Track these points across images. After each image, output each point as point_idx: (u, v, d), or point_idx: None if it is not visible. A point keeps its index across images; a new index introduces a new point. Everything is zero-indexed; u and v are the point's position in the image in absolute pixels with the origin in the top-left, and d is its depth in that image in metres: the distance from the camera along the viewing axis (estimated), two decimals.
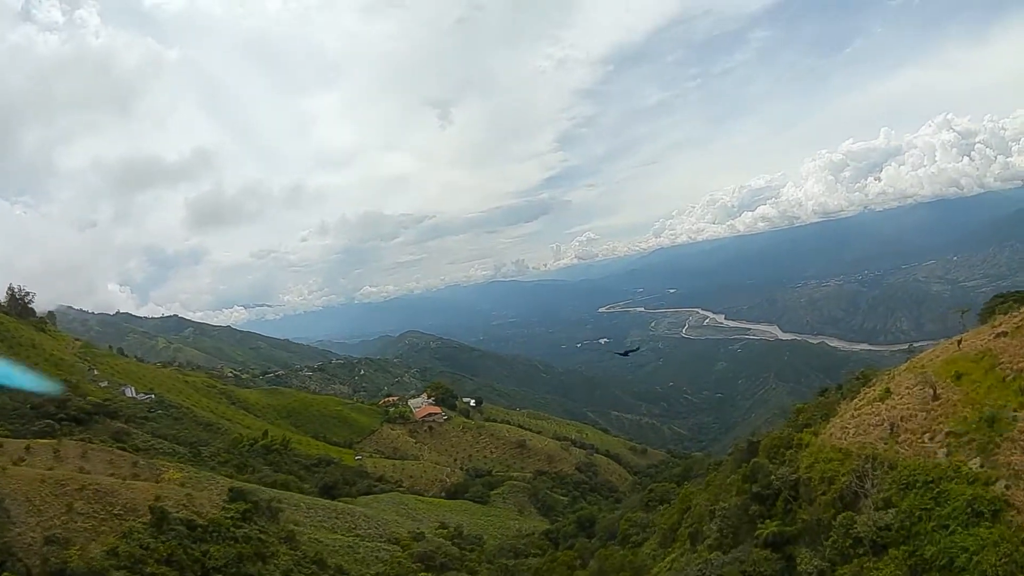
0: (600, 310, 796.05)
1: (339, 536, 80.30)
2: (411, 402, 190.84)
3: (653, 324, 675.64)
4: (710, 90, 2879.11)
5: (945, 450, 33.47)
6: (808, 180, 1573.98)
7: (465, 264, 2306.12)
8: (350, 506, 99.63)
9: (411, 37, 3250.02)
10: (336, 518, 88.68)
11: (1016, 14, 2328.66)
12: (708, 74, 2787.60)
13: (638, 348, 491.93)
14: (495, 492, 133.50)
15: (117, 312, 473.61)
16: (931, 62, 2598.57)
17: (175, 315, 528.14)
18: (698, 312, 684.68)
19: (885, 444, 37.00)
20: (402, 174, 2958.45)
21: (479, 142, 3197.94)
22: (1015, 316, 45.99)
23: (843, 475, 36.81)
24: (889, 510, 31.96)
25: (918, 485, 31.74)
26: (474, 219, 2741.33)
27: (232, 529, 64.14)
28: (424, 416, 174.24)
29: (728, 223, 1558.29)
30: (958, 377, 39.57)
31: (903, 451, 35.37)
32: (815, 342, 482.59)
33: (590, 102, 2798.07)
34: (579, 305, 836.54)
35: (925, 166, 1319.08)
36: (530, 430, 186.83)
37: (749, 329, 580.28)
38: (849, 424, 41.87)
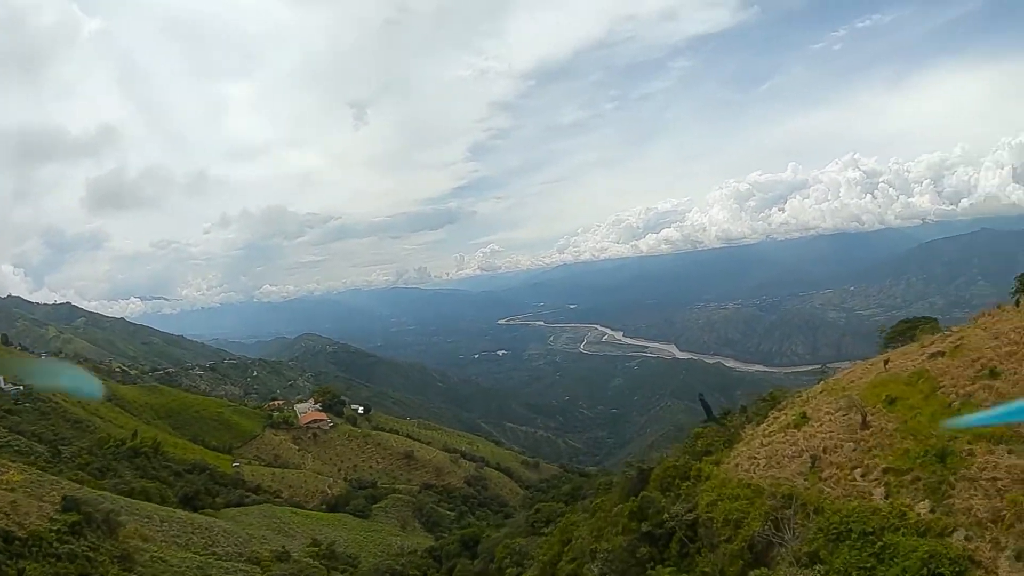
0: (500, 322, 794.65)
1: (191, 555, 70.18)
2: (297, 407, 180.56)
3: (552, 338, 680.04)
4: (627, 113, 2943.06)
5: (883, 490, 28.36)
6: (714, 207, 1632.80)
7: (367, 268, 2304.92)
8: (213, 519, 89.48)
9: (337, 33, 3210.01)
10: (193, 533, 78.51)
11: (931, 70, 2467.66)
12: (627, 97, 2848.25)
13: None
14: (378, 506, 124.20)
15: (8, 296, 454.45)
16: (845, 105, 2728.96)
17: (68, 303, 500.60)
18: (597, 328, 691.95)
19: (805, 481, 31.56)
20: (311, 172, 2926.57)
21: (392, 146, 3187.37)
22: (951, 335, 41.51)
23: (753, 518, 31.13)
24: (816, 567, 26.12)
25: (853, 536, 26.03)
26: (380, 223, 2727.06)
27: (56, 544, 54.97)
28: (309, 422, 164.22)
29: (632, 243, 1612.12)
30: (891, 402, 34.39)
31: (829, 490, 29.93)
32: (711, 362, 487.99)
33: (507, 115, 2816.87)
34: (479, 316, 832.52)
35: (829, 200, 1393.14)
36: (420, 441, 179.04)
37: (647, 347, 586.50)
38: (758, 454, 36.32)
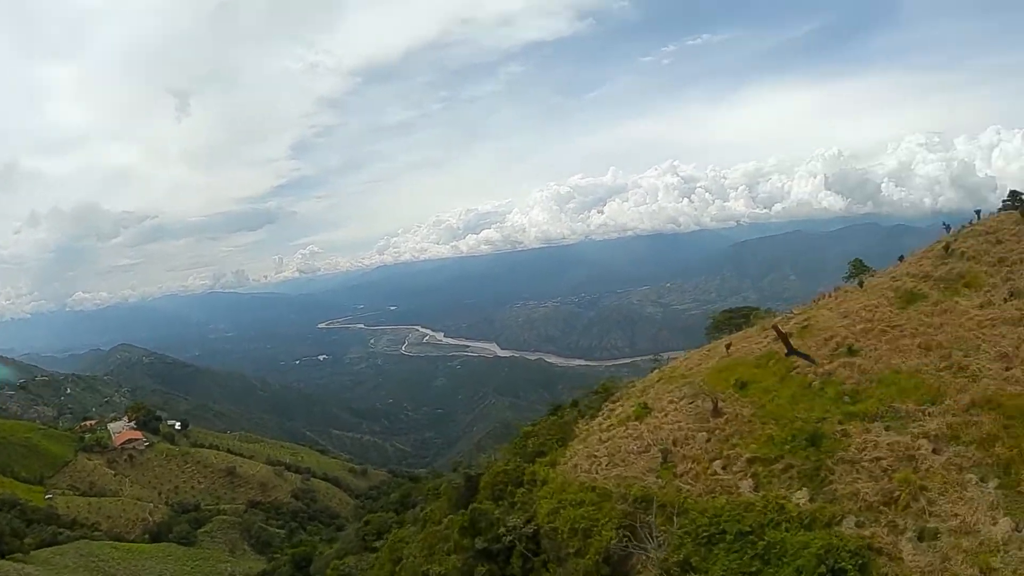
0: (320, 326, 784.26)
1: None
2: (111, 426, 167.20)
3: (373, 341, 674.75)
4: (454, 115, 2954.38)
5: (751, 482, 26.59)
6: (535, 208, 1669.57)
7: (184, 272, 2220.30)
8: (22, 565, 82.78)
9: (167, 15, 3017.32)
10: None
11: (753, 87, 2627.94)
12: (455, 99, 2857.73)
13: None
14: (203, 530, 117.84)
15: None
16: (669, 116, 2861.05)
17: None
18: (418, 330, 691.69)
19: (658, 479, 29.13)
20: (128, 166, 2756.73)
21: (214, 140, 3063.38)
22: (795, 316, 42.85)
23: (605, 526, 27.39)
24: None
25: (728, 537, 23.50)
26: (197, 223, 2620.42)
27: None
28: (123, 443, 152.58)
29: (452, 244, 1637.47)
30: (742, 386, 33.67)
31: (689, 488, 27.61)
32: (533, 358, 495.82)
33: (333, 112, 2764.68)
34: (299, 320, 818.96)
35: (647, 204, 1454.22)
36: (242, 455, 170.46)
37: (468, 346, 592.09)
38: (598, 452, 33.36)
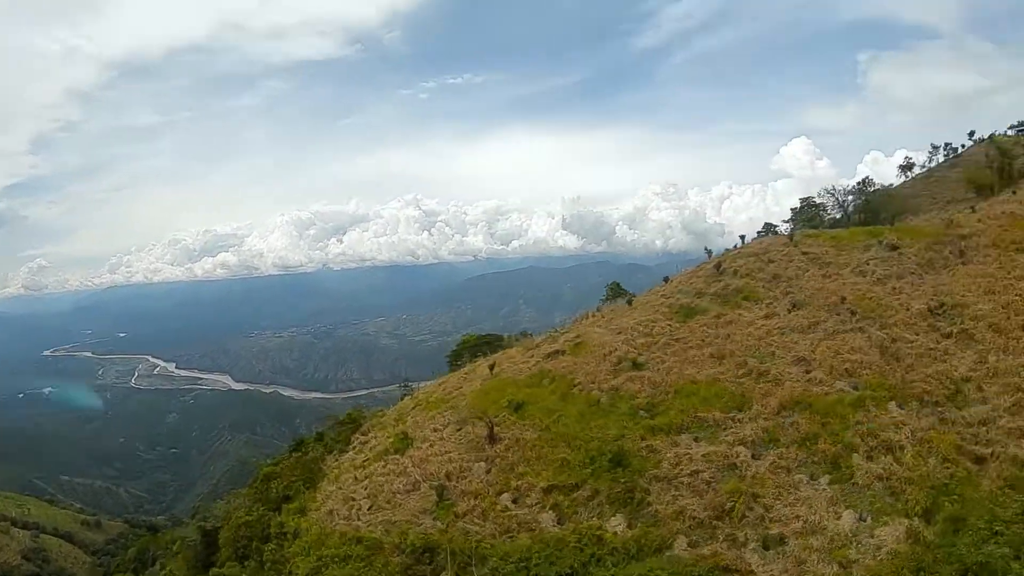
0: (46, 353, 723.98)
1: None
2: None
3: (101, 372, 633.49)
4: (205, 126, 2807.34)
5: (554, 515, 25.28)
6: (274, 233, 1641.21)
7: None
8: None
9: None
10: None
11: (502, 130, 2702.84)
12: (208, 109, 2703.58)
13: None
14: None
15: None
16: (418, 149, 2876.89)
17: None
18: (148, 360, 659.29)
19: (436, 521, 26.67)
20: None
21: None
22: (563, 334, 44.19)
23: None
24: None
25: None
26: None
27: None
28: None
29: (187, 266, 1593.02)
30: (518, 408, 32.22)
31: (478, 528, 25.50)
32: (268, 391, 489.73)
33: (81, 105, 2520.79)
34: (24, 346, 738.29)
35: (387, 235, 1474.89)
36: None
37: (201, 379, 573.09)
38: (357, 493, 30.43)
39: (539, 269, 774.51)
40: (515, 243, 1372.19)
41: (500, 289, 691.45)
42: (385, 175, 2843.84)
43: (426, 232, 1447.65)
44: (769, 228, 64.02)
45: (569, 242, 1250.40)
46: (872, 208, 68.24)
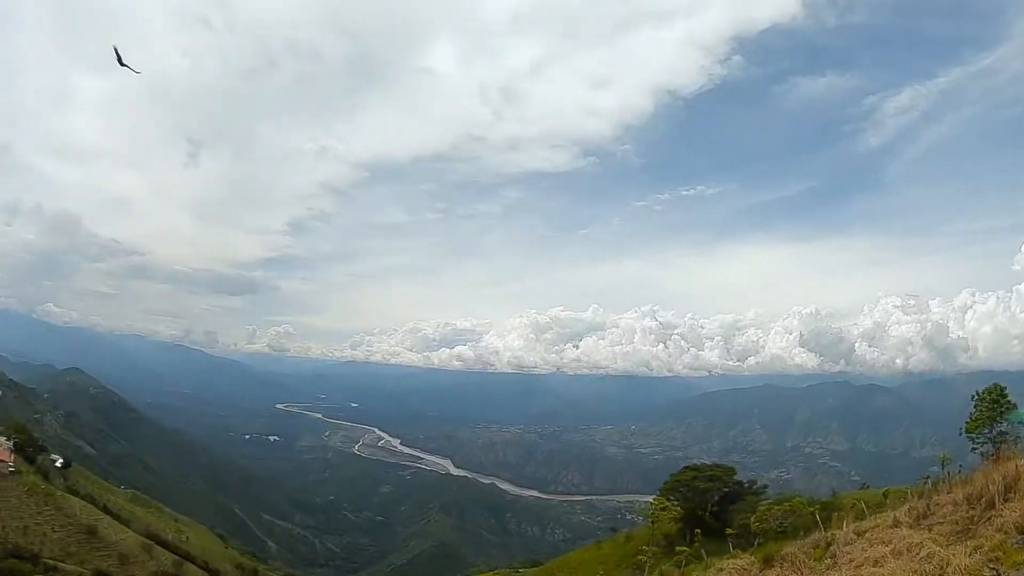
0: (278, 406, 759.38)
1: None
2: None
3: (328, 433, 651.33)
4: (448, 227, 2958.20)
5: None
6: (511, 334, 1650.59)
7: (157, 317, 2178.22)
8: None
9: (198, 62, 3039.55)
10: None
11: (737, 241, 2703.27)
12: (451, 212, 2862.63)
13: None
14: None
15: None
16: (654, 260, 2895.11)
17: None
18: (375, 432, 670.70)
19: None
20: (128, 197, 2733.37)
21: (216, 197, 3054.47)
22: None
23: None
24: None
25: None
26: (182, 274, 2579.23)
27: None
28: None
29: (425, 354, 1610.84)
30: None
31: None
32: (486, 482, 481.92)
33: (334, 199, 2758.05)
34: (258, 395, 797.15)
35: (623, 344, 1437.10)
36: (117, 516, 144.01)
37: (422, 458, 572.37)
38: None
39: (774, 387, 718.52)
40: (751, 359, 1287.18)
41: (733, 407, 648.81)
42: (622, 284, 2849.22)
43: (661, 344, 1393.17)
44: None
45: (807, 360, 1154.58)
46: None
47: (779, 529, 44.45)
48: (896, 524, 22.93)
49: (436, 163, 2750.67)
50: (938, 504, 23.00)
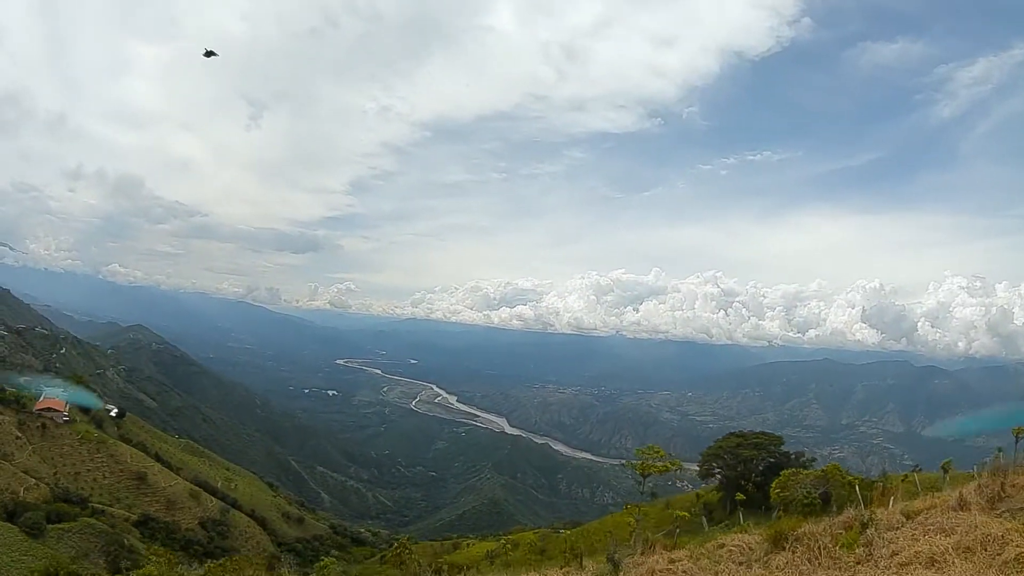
0: (338, 362, 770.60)
1: None
2: (48, 389, 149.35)
3: (386, 389, 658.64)
4: (510, 187, 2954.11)
5: None
6: (572, 295, 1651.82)
7: (220, 275, 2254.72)
8: None
9: (258, 25, 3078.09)
10: None
11: (803, 210, 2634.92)
12: (514, 172, 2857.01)
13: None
14: (58, 526, 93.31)
15: None
16: (717, 226, 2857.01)
17: None
18: (432, 388, 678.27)
19: None
20: (190, 159, 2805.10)
21: (276, 157, 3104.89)
22: None
23: None
24: None
25: None
26: (244, 232, 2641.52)
27: None
28: (42, 408, 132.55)
29: (485, 312, 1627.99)
30: None
31: None
32: (539, 442, 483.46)
33: (395, 158, 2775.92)
34: (319, 351, 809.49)
35: (683, 310, 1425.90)
36: (168, 463, 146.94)
37: (478, 416, 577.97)
38: None
39: (833, 362, 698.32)
40: (812, 332, 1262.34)
41: (791, 379, 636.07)
42: (684, 248, 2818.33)
43: (722, 311, 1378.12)
44: None
45: (867, 336, 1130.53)
46: None
47: (805, 501, 40.77)
48: (962, 506, 18.07)
49: (499, 122, 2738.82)
50: (1015, 486, 18.20)
